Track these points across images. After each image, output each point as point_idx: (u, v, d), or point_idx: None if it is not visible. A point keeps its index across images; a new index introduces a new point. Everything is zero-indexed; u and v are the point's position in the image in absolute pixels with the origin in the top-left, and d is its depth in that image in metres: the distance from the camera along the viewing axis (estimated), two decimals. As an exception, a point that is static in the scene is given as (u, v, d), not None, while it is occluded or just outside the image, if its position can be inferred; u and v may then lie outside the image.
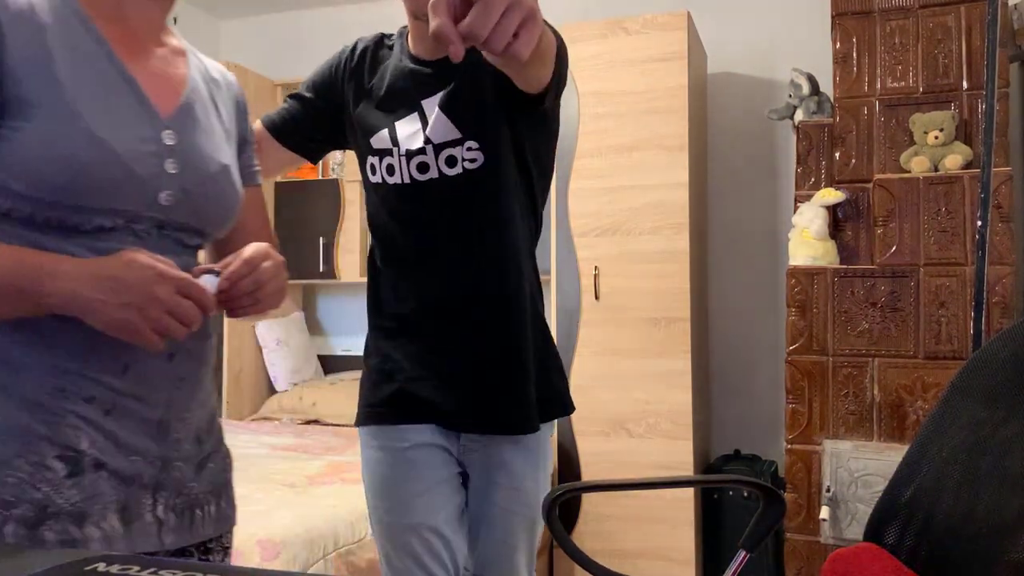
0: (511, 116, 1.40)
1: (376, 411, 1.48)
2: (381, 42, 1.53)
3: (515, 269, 1.45)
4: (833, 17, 2.82)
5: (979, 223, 2.13)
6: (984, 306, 2.15)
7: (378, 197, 1.48)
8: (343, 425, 3.49)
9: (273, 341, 3.83)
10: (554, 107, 1.44)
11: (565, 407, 1.53)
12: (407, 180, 1.42)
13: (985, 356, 1.26)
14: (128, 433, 0.96)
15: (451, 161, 1.40)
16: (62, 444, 0.92)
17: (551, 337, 1.55)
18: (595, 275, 3.09)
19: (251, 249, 1.00)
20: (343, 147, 1.59)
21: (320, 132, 1.56)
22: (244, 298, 0.98)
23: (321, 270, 3.83)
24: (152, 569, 0.63)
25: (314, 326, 4.18)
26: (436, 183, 1.41)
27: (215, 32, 4.46)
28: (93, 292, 0.87)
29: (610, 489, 1.57)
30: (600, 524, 3.06)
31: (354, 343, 4.12)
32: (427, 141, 1.41)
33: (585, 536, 3.06)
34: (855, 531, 2.52)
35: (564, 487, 1.35)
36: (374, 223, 1.51)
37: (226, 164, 1.06)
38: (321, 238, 3.82)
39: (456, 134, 1.40)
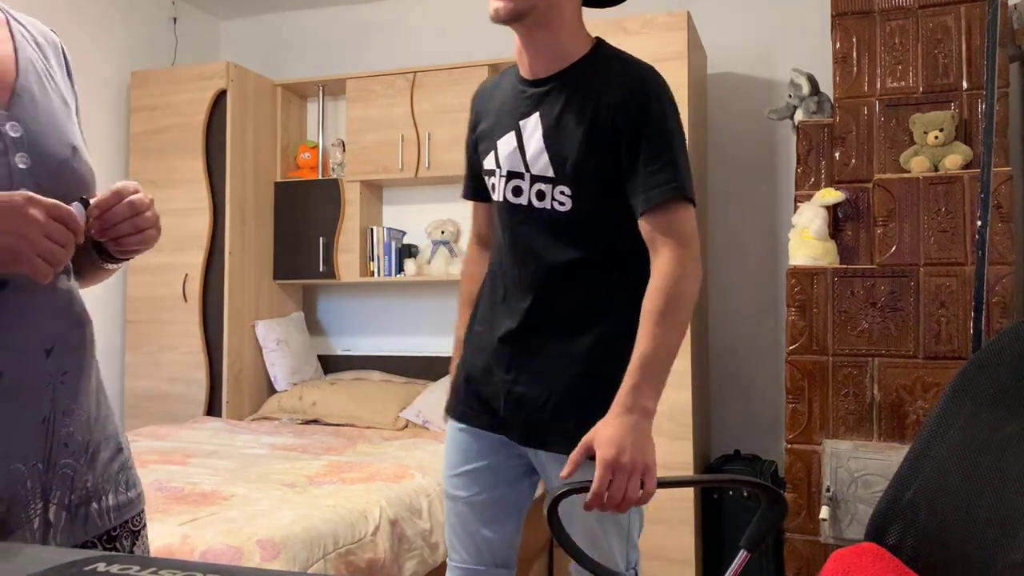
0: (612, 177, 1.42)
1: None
2: (504, 74, 1.59)
3: (596, 304, 1.47)
4: (833, 17, 2.82)
5: (979, 223, 2.13)
6: (984, 306, 2.15)
7: (495, 213, 1.58)
8: (343, 425, 3.49)
9: (273, 341, 3.83)
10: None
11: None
12: (501, 199, 1.52)
13: (985, 356, 1.26)
14: (14, 439, 0.93)
15: (541, 195, 1.46)
16: None
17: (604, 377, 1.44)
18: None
19: (120, 184, 1.00)
20: None
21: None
22: (124, 225, 0.97)
23: (321, 270, 3.83)
24: (152, 569, 0.63)
25: (314, 326, 4.18)
26: (524, 209, 1.48)
27: (215, 32, 4.46)
28: None
29: (610, 489, 1.55)
30: (600, 524, 3.06)
31: (354, 343, 4.12)
32: (527, 168, 1.47)
33: (585, 536, 3.05)
34: (855, 531, 2.52)
35: (565, 485, 1.35)
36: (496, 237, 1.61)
37: (75, 145, 1.03)
38: (321, 238, 3.82)
39: (551, 174, 1.44)
